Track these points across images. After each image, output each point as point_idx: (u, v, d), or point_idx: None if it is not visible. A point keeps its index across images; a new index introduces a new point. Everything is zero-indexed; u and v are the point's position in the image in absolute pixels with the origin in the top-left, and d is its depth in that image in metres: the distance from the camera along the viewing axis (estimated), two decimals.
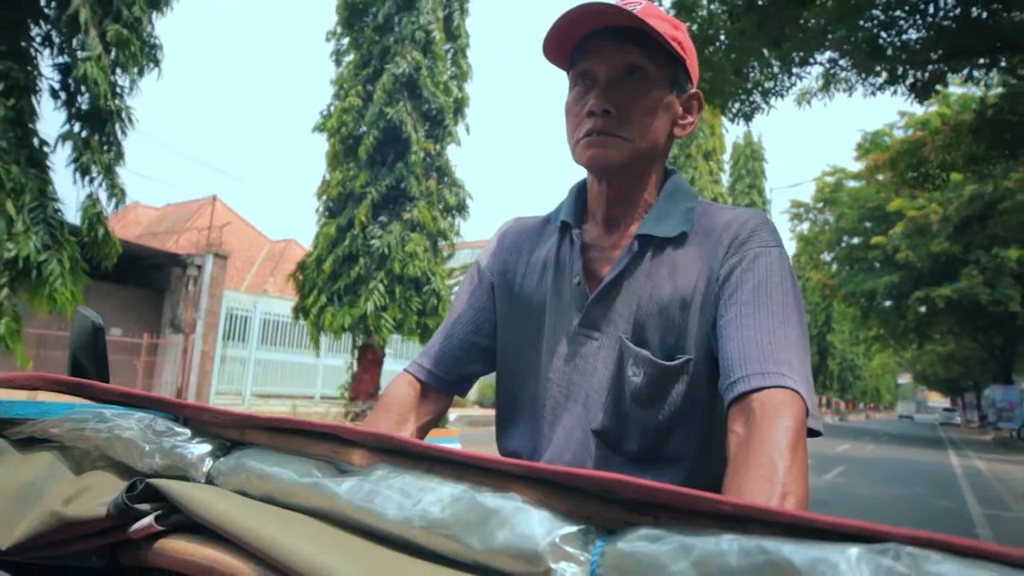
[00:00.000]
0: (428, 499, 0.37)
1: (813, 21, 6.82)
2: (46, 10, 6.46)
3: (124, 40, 6.54)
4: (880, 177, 11.92)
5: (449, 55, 11.50)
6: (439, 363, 0.98)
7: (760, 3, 6.52)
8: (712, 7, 6.89)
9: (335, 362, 18.29)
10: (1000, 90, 8.47)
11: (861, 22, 6.82)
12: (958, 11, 6.57)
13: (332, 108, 11.02)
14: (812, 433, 0.72)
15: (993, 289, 20.89)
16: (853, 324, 34.05)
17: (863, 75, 7.71)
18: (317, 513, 0.42)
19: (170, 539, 0.44)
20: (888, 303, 25.59)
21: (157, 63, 6.99)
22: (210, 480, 0.48)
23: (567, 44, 0.87)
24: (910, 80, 7.08)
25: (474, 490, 0.36)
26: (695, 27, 7.17)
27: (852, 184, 25.97)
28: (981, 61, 7.34)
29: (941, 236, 18.86)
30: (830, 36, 7.20)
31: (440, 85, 10.86)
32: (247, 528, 0.39)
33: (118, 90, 6.68)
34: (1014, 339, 27.21)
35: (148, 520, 0.44)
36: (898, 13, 6.80)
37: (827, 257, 27.00)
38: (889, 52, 6.99)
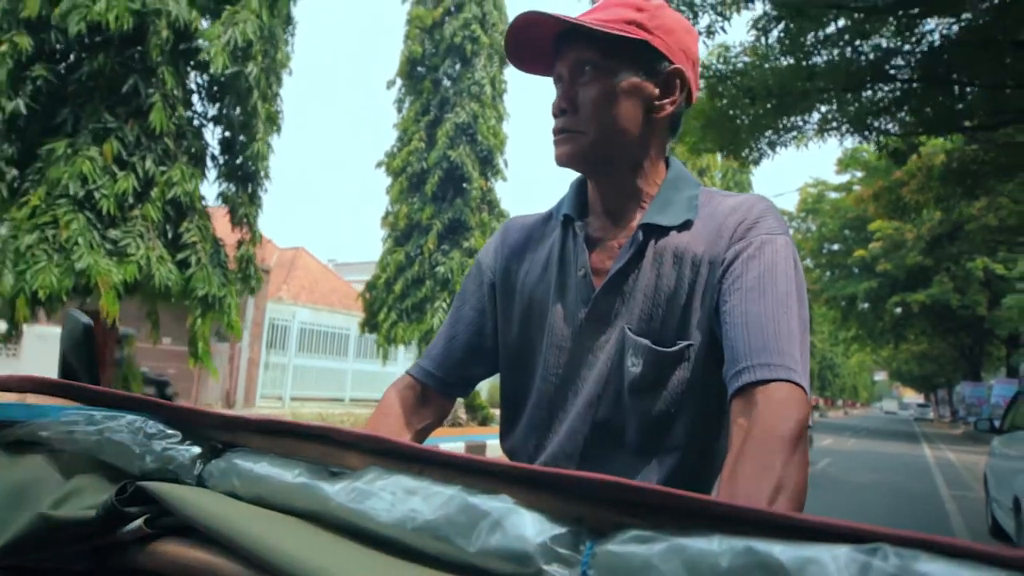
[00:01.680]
0: (419, 501, 0.37)
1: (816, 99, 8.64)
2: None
3: (271, 116, 8.19)
4: (870, 211, 13.87)
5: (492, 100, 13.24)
6: (440, 365, 0.97)
7: (773, 93, 8.30)
8: (734, 92, 8.66)
9: (364, 367, 19.93)
10: (963, 145, 10.41)
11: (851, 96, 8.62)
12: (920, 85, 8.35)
13: (395, 149, 12.67)
14: None
15: (963, 295, 22.97)
16: (833, 326, 36.19)
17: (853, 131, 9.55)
18: (308, 515, 0.41)
19: (160, 542, 0.44)
20: (866, 306, 27.68)
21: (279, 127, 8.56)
22: (201, 482, 0.48)
23: (538, 50, 0.88)
24: (891, 148, 8.94)
25: (465, 492, 0.36)
26: (724, 103, 8.92)
27: (833, 195, 28.03)
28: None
29: (915, 251, 20.98)
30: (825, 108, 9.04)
31: (490, 129, 12.57)
32: (238, 530, 0.39)
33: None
34: (982, 340, 29.38)
35: (138, 523, 0.44)
36: (881, 91, 8.60)
37: (810, 263, 29.02)
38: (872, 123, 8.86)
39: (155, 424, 0.50)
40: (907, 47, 7.77)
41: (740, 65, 8.41)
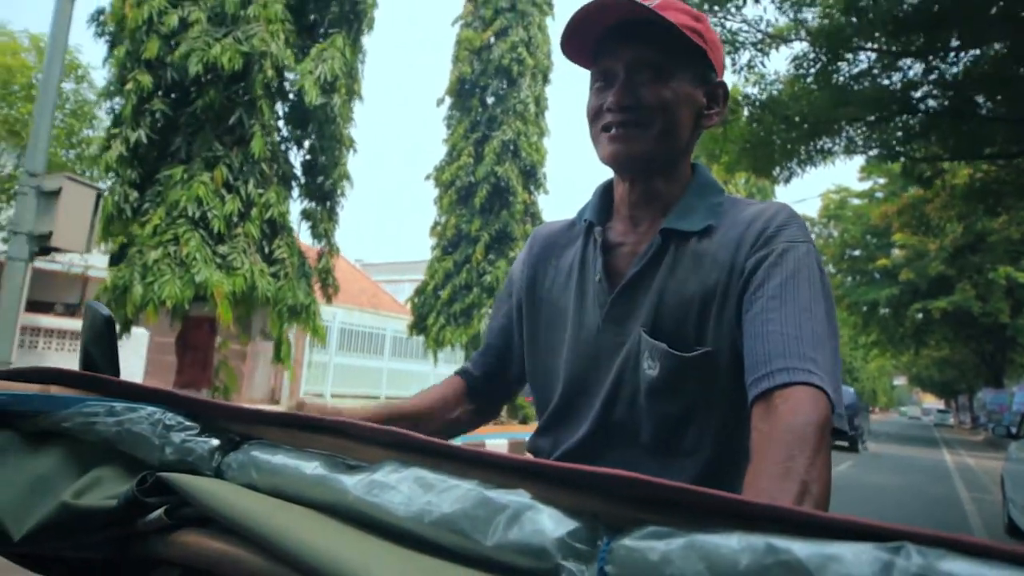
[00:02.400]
0: (436, 495, 0.37)
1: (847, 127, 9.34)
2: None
3: (349, 141, 9.06)
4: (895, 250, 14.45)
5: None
6: (478, 367, 1.02)
7: (807, 121, 9.01)
8: (771, 119, 9.37)
9: (399, 366, 20.84)
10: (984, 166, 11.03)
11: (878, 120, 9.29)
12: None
13: (444, 163, 13.53)
14: (837, 433, 0.73)
15: (985, 302, 23.27)
16: (854, 331, 36.56)
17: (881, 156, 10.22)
18: (326, 508, 0.42)
19: (180, 532, 0.45)
20: (887, 311, 28.04)
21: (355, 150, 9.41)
22: (219, 474, 0.48)
23: (586, 41, 0.86)
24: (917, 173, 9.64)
25: (482, 486, 0.36)
26: (761, 130, 9.64)
27: (855, 202, 28.44)
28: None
29: (937, 260, 21.48)
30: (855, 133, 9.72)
31: (532, 145, 13.38)
32: (256, 522, 0.40)
33: None
34: (1004, 347, 29.49)
35: (158, 513, 0.45)
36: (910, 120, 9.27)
37: (832, 269, 29.46)
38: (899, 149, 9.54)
39: (174, 416, 0.51)
40: (933, 77, 8.44)
41: (776, 93, 9.13)
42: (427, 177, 13.89)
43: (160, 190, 7.51)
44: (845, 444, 15.51)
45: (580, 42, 0.86)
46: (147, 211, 7.50)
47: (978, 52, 8.11)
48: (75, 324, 14.23)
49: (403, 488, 0.39)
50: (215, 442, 0.50)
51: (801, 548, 0.27)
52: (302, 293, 8.27)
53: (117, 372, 0.63)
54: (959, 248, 19.99)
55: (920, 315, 25.97)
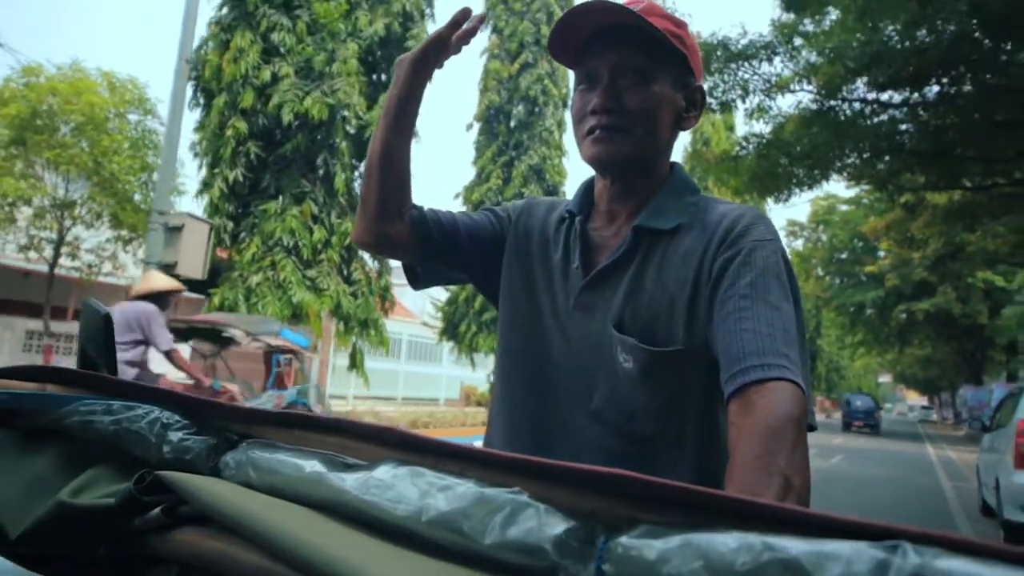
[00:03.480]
0: (434, 493, 0.37)
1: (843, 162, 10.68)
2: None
3: None
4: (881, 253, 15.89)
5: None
6: (436, 214, 0.96)
7: (808, 156, 10.31)
8: (775, 153, 10.66)
9: (414, 369, 22.09)
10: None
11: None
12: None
13: (472, 184, 14.78)
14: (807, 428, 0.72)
15: (965, 304, 24.79)
16: (841, 330, 38.06)
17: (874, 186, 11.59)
18: (323, 506, 0.42)
19: (177, 531, 0.45)
20: (872, 312, 29.49)
21: None
22: (217, 473, 0.48)
23: (573, 43, 0.88)
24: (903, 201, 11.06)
25: (479, 485, 0.36)
26: (765, 160, 10.93)
27: (843, 208, 29.88)
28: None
29: (920, 267, 22.97)
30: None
31: (555, 168, 14.64)
32: (253, 520, 0.40)
33: None
34: (983, 346, 30.99)
35: (156, 512, 0.46)
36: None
37: (820, 271, 30.83)
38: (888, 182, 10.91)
39: (171, 415, 0.51)
40: (913, 126, 9.80)
41: (780, 132, 10.44)
42: (456, 196, 15.13)
43: (255, 222, 8.68)
44: (867, 430, 15.94)
45: (565, 42, 0.88)
46: (243, 240, 8.66)
47: (951, 103, 9.43)
48: None
49: (401, 487, 0.38)
50: (212, 441, 0.50)
51: (798, 547, 0.27)
52: (372, 309, 9.48)
53: (114, 370, 0.63)
54: (940, 256, 21.46)
55: (904, 316, 27.38)
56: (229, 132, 8.58)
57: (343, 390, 19.57)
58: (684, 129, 0.91)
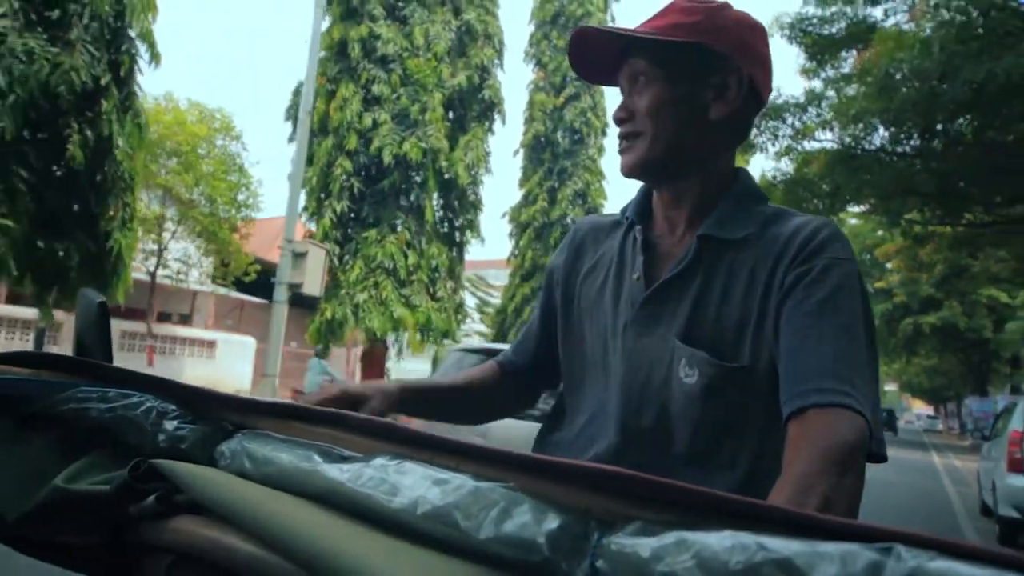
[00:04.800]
0: (429, 487, 0.37)
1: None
2: None
3: (478, 203, 11.79)
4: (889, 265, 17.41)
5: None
6: (517, 352, 1.02)
7: (830, 194, 11.75)
8: (801, 191, 12.07)
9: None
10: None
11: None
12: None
13: (520, 206, 16.32)
14: (875, 458, 0.70)
15: (970, 319, 26.06)
16: None
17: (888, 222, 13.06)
18: (317, 497, 0.42)
19: (172, 519, 0.45)
20: (879, 323, 30.75)
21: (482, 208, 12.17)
22: (212, 462, 0.48)
23: (601, 65, 0.89)
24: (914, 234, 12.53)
25: (475, 479, 0.37)
26: (791, 196, 12.35)
27: (853, 222, 31.16)
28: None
29: (927, 285, 24.31)
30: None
31: (597, 191, 16.14)
32: (247, 510, 0.40)
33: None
34: (988, 358, 32.17)
35: (150, 500, 0.46)
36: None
37: None
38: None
39: (168, 404, 0.52)
40: (928, 169, 11.24)
41: (806, 172, 11.87)
42: (503, 215, 16.70)
43: (358, 247, 10.19)
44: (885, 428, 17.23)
45: (598, 64, 0.89)
46: (347, 262, 10.17)
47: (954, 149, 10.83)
48: (189, 332, 16.76)
49: (395, 480, 0.38)
50: (208, 430, 0.50)
51: (792, 547, 0.27)
52: (453, 322, 10.99)
53: (110, 358, 0.63)
54: (946, 275, 22.79)
55: (911, 328, 28.57)
56: (338, 171, 10.09)
57: None
58: (720, 116, 0.83)
